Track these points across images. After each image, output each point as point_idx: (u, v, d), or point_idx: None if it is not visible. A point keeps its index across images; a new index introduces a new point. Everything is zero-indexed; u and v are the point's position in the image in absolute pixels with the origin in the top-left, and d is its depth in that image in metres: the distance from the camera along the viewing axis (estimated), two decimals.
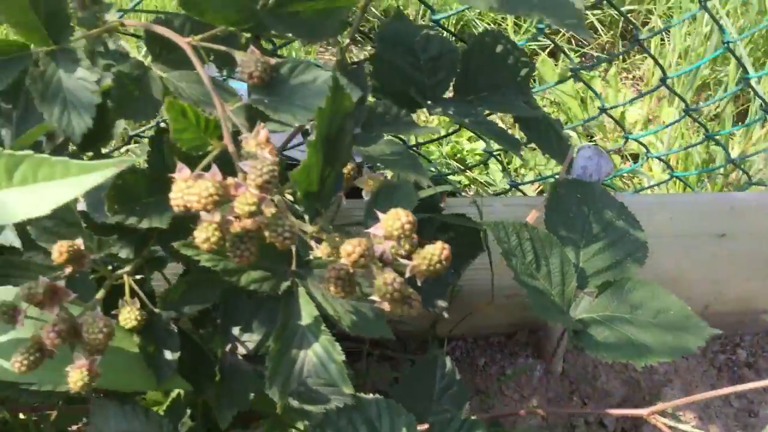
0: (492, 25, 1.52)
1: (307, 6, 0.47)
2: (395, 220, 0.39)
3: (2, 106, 0.56)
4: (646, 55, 1.49)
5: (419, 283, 0.42)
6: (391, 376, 1.03)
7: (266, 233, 0.39)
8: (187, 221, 0.53)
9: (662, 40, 1.56)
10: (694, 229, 0.86)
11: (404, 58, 0.67)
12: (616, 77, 1.42)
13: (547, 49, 1.48)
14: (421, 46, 0.67)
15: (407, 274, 0.40)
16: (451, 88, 0.68)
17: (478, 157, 1.33)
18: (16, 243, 0.52)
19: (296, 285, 0.50)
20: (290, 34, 0.47)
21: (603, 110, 0.95)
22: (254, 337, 0.62)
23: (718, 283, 1.00)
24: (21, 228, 0.53)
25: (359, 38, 0.75)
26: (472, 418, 0.57)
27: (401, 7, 1.37)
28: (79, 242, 0.48)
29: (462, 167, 1.32)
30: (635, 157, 1.38)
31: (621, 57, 1.46)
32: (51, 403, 0.59)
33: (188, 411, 0.67)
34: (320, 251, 0.49)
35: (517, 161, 1.33)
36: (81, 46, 0.48)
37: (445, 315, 0.79)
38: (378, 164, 0.54)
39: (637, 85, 1.56)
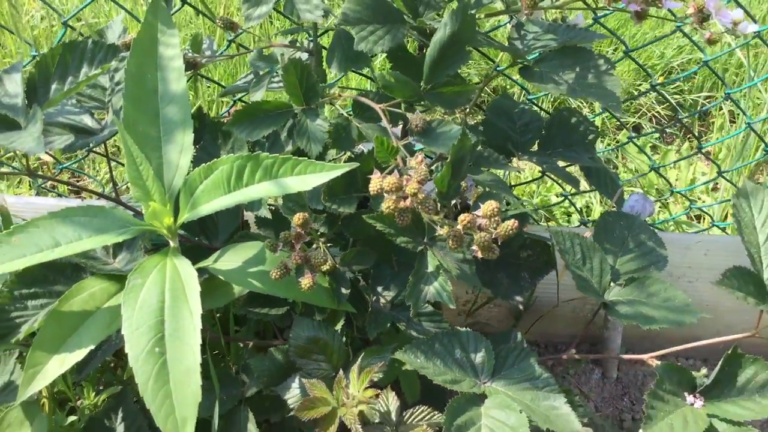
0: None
1: (448, 89, 0.83)
2: (490, 206, 0.73)
3: (261, 141, 0.95)
4: (717, 133, 1.76)
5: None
6: None
7: (419, 208, 0.74)
8: (357, 216, 0.89)
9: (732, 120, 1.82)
10: (726, 264, 0.97)
11: (505, 122, 1.01)
12: (689, 151, 1.70)
13: (630, 124, 1.78)
14: (517, 116, 1.02)
15: (493, 236, 0.73)
16: (536, 145, 1.02)
17: (563, 209, 1.63)
18: (269, 216, 0.89)
19: (426, 249, 0.83)
20: (437, 106, 0.83)
21: (652, 168, 1.25)
22: (390, 294, 0.96)
23: (748, 312, 1.23)
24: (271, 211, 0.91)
25: (475, 108, 1.10)
26: (525, 347, 0.88)
27: (507, 88, 1.73)
28: (307, 215, 0.84)
29: (548, 216, 1.63)
30: (698, 218, 1.63)
31: (697, 136, 1.73)
32: (269, 319, 0.95)
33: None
34: (442, 231, 0.83)
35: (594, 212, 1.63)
36: (321, 105, 0.86)
37: (521, 308, 1.10)
38: (482, 185, 0.88)
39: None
